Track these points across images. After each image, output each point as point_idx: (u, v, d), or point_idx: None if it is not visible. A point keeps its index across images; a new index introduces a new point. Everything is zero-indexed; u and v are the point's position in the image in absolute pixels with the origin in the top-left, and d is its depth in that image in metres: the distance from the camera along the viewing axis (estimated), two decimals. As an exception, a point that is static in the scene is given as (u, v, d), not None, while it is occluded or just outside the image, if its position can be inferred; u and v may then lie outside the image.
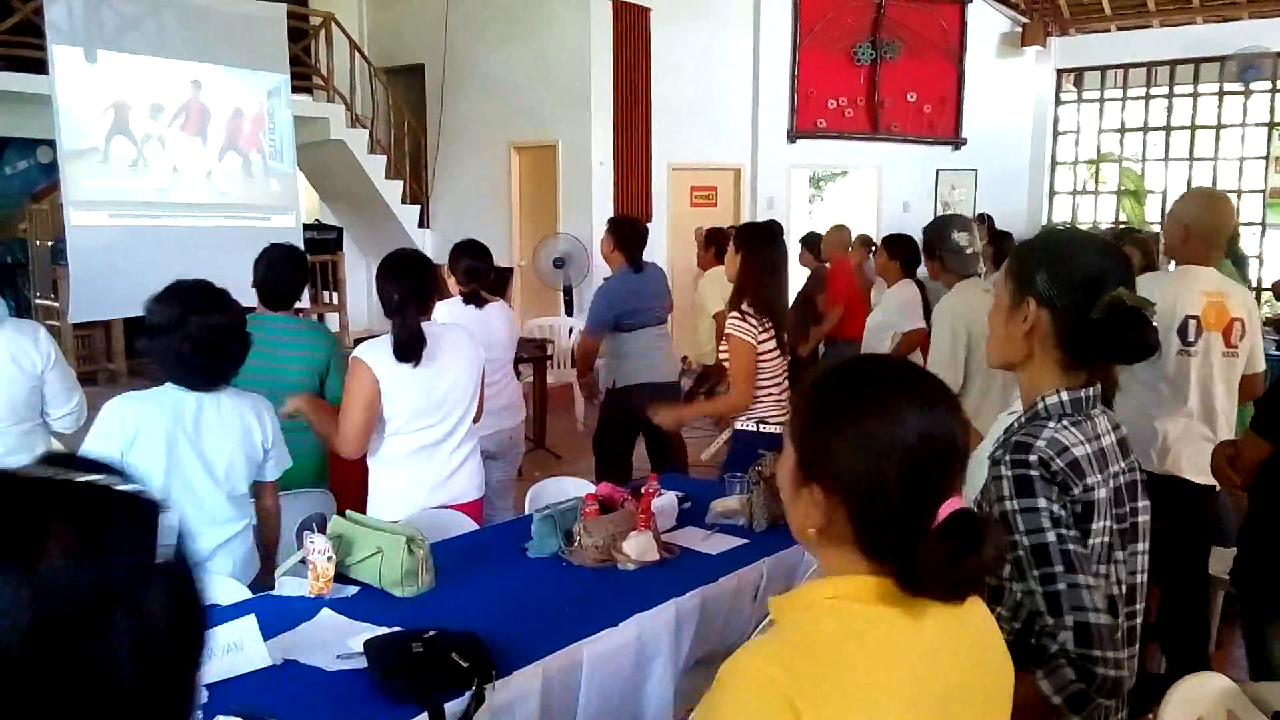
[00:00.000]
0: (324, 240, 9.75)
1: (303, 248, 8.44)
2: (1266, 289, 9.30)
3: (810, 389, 1.15)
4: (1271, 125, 9.76)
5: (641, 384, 4.69)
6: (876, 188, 10.68)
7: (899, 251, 5.05)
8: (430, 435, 2.98)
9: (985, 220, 9.33)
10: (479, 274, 4.16)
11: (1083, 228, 9.79)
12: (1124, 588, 1.54)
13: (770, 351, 3.49)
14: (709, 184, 10.25)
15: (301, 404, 2.99)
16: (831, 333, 6.53)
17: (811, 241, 7.45)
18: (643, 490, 2.88)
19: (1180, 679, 2.01)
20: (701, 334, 6.50)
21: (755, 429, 3.49)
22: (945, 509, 1.05)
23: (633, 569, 2.61)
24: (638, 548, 2.64)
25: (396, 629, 2.12)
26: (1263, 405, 2.85)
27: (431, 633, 2.03)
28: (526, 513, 3.12)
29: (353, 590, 2.42)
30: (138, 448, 2.40)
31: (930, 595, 1.04)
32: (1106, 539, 1.49)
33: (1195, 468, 3.13)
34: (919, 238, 4.23)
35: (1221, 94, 10.02)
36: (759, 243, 3.56)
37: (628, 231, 4.83)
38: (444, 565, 2.50)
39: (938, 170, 10.58)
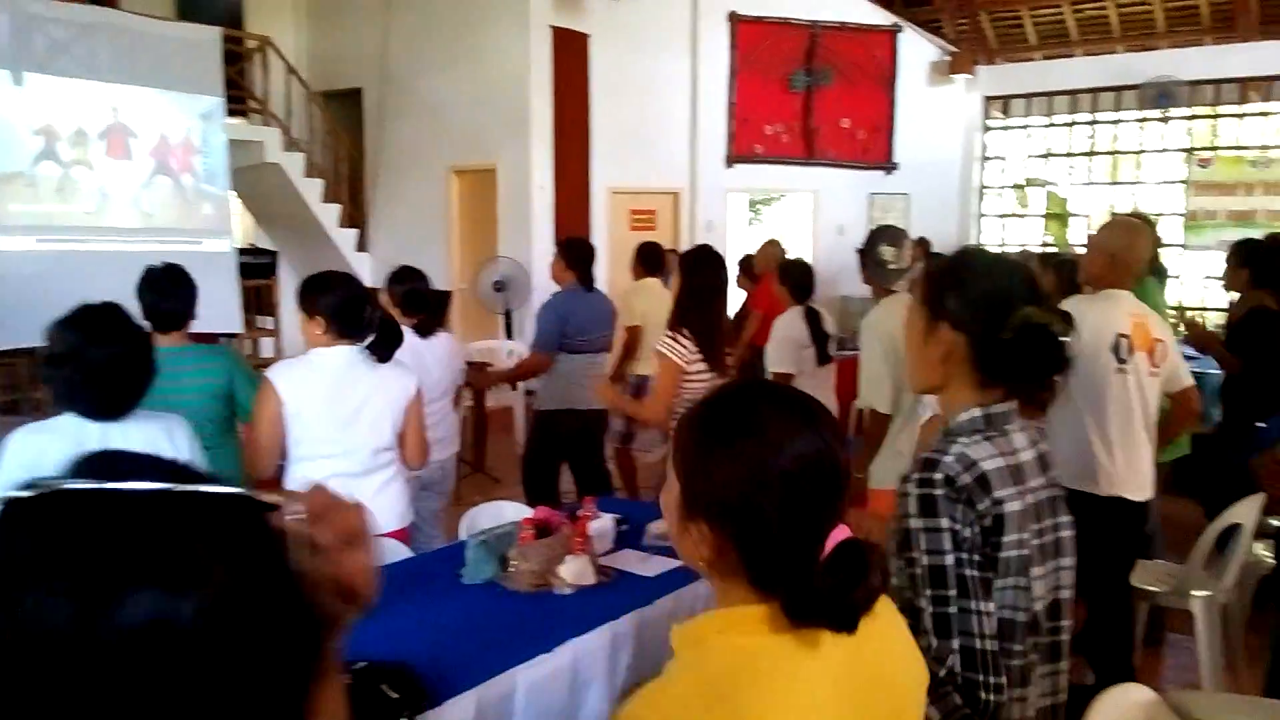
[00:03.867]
0: (259, 264, 9.60)
1: (236, 271, 8.45)
2: (1188, 308, 9.62)
3: (689, 419, 1.12)
4: (1189, 151, 10.12)
5: (569, 410, 4.69)
6: (812, 211, 10.84)
7: (787, 279, 4.93)
8: (340, 465, 2.85)
9: (923, 243, 9.53)
10: (423, 302, 4.08)
11: (1008, 250, 10.03)
12: (1045, 603, 1.57)
13: (702, 373, 3.53)
14: (648, 207, 10.30)
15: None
16: (757, 342, 6.56)
17: (747, 266, 7.51)
18: (579, 514, 2.88)
19: (1104, 690, 2.06)
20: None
21: None
22: (833, 539, 1.04)
23: (569, 593, 2.61)
24: (574, 571, 2.64)
25: (325, 660, 2.08)
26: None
27: (361, 664, 2.00)
28: (461, 538, 3.09)
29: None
30: None
31: (819, 626, 1.03)
32: (1024, 552, 1.51)
33: (1135, 486, 3.23)
34: (853, 260, 4.23)
35: (1143, 121, 10.37)
36: (700, 267, 3.63)
37: (578, 251, 4.85)
38: (375, 593, 2.46)
39: (871, 194, 10.77)
